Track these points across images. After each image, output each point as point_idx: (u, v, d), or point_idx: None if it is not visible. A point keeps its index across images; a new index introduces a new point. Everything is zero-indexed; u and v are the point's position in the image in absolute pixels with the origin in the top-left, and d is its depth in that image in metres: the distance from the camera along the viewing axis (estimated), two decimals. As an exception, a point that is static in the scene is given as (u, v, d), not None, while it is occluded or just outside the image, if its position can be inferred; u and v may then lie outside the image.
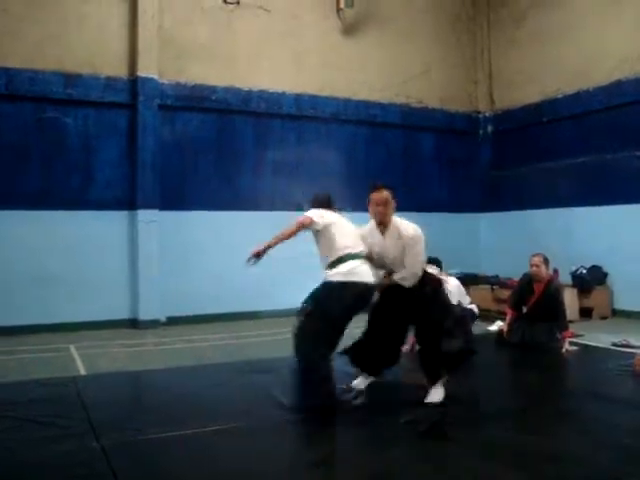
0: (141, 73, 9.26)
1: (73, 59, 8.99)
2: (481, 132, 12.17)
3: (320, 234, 4.81)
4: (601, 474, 3.57)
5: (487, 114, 12.15)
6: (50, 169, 8.92)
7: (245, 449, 4.00)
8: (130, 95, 9.29)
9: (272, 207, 10.24)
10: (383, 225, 4.93)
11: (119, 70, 9.30)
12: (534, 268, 7.09)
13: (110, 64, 9.24)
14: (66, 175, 9.01)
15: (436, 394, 4.82)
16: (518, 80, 11.52)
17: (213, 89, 9.87)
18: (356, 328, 5.17)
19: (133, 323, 9.13)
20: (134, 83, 9.28)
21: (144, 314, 9.14)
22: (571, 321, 7.96)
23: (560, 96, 10.67)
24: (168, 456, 3.90)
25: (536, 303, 7.08)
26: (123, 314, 9.17)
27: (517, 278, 7.81)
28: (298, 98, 10.51)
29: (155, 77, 9.37)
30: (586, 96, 10.21)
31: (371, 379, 5.31)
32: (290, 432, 4.31)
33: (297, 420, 4.53)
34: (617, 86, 9.71)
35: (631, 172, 9.46)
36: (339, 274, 4.65)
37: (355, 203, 10.92)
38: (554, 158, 10.71)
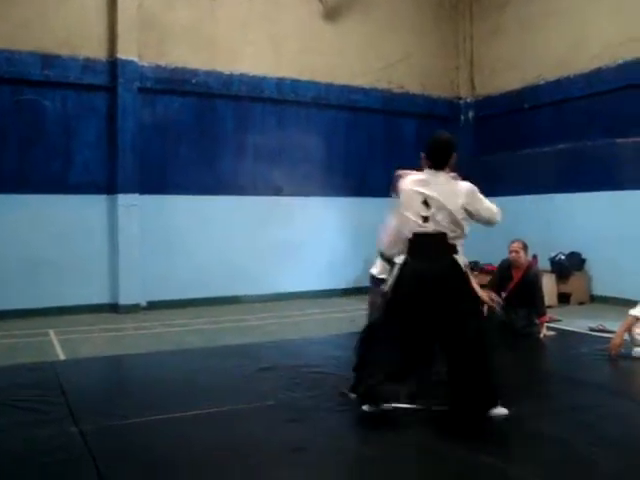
0: (121, 55, 9.14)
1: (52, 40, 8.84)
2: (462, 118, 12.18)
3: None
4: (575, 456, 3.64)
5: (468, 100, 12.16)
6: (29, 152, 8.80)
7: (225, 434, 4.01)
8: (109, 77, 9.18)
9: (253, 192, 10.25)
10: None
11: (98, 52, 9.17)
12: (513, 254, 7.13)
13: (89, 46, 9.11)
14: (45, 158, 8.90)
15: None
16: (499, 67, 11.53)
17: (194, 72, 9.78)
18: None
19: (113, 308, 9.09)
20: (113, 65, 9.16)
21: (124, 299, 9.09)
22: (549, 306, 8.06)
23: (541, 83, 10.70)
24: (147, 440, 3.90)
25: (515, 289, 7.12)
26: (103, 299, 9.12)
27: (496, 264, 7.87)
28: (279, 82, 10.45)
29: (135, 59, 9.25)
30: (567, 83, 10.25)
31: None
32: (271, 416, 4.31)
33: (279, 404, 4.54)
34: (597, 73, 9.76)
35: (611, 159, 9.54)
36: None
37: (336, 187, 11.08)
38: (534, 145, 10.77)
